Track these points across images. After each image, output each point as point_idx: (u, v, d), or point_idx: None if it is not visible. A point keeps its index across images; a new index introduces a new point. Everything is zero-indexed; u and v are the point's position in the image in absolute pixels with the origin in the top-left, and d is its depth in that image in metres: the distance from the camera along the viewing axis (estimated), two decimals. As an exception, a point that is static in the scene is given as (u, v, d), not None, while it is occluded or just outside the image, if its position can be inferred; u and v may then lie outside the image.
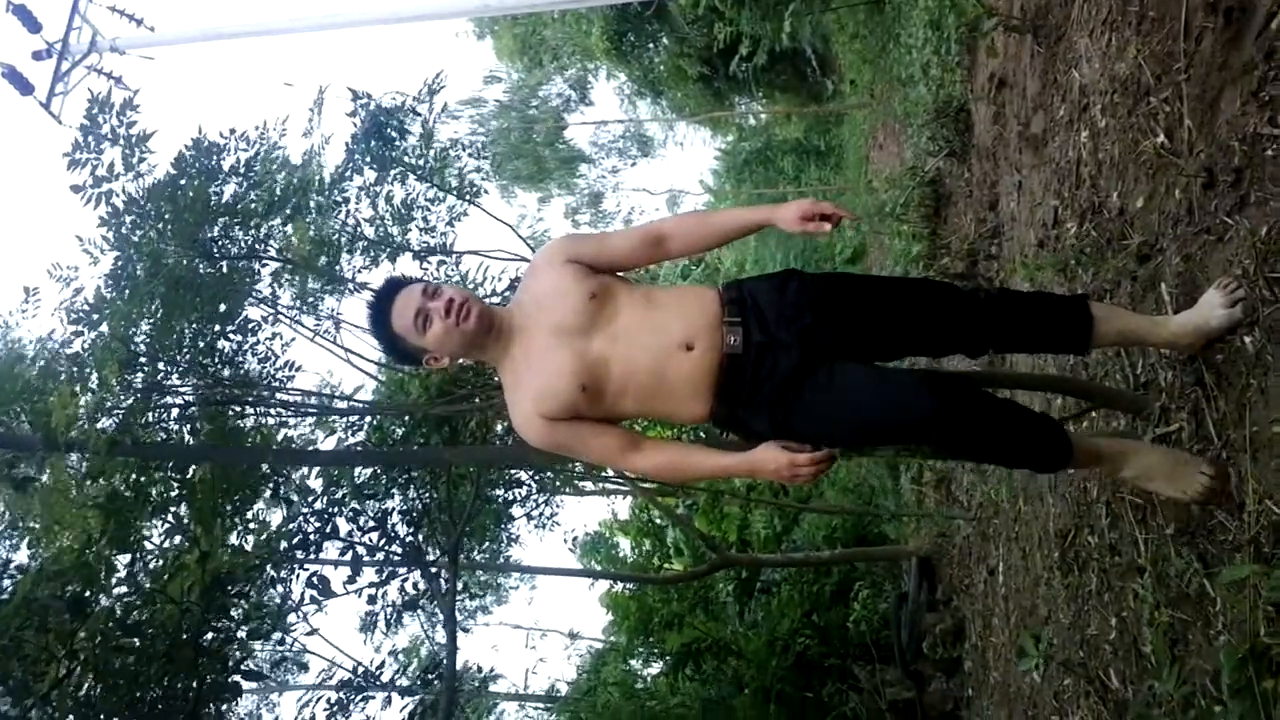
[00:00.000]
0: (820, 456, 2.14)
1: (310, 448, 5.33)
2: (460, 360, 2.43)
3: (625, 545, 12.58)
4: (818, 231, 2.30)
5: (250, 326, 4.58)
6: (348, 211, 4.64)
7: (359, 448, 5.27)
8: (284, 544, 5.23)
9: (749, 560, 7.51)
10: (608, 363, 2.22)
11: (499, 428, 5.00)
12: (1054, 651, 3.69)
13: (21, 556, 5.28)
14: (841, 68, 14.71)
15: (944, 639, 6.29)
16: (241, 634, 5.11)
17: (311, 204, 4.39)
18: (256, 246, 4.33)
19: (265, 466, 4.56)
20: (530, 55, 18.94)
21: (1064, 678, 3.69)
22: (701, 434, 4.96)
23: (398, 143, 4.57)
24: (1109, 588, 3.17)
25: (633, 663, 9.76)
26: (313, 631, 5.93)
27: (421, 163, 4.67)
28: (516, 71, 19.52)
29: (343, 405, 5.24)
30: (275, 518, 5.45)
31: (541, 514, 8.39)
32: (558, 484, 7.63)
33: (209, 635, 4.55)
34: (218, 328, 4.30)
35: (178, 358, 4.14)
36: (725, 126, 18.73)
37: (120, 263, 4.04)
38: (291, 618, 5.24)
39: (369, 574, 6.09)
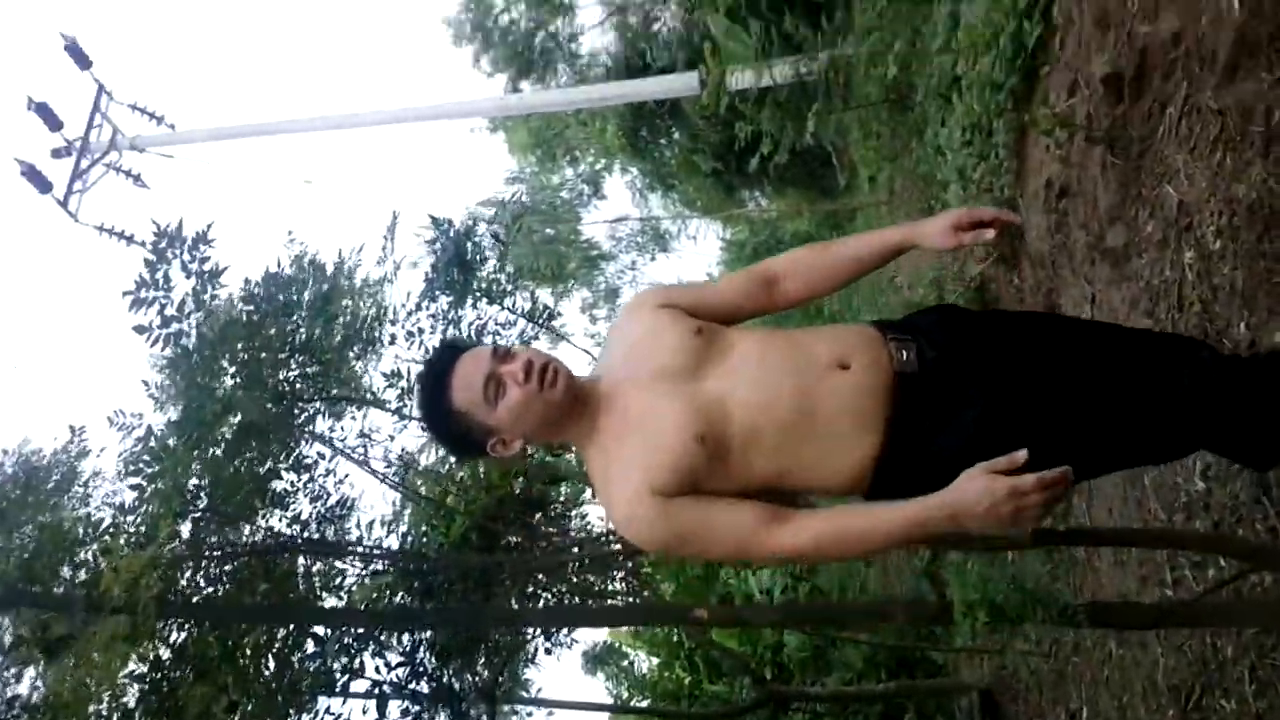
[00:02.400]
0: (1052, 476, 1.52)
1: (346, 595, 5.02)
2: (535, 445, 2.01)
3: (640, 659, 11.91)
4: (976, 241, 1.84)
5: (306, 464, 4.31)
6: (421, 342, 4.44)
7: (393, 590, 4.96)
8: (306, 683, 4.90)
9: (797, 694, 7.07)
10: (726, 405, 1.70)
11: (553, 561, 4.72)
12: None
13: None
14: (856, 164, 14.74)
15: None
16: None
17: (386, 335, 4.20)
18: (325, 384, 4.10)
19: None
20: (544, 149, 19.09)
21: None
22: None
23: (477, 270, 4.39)
24: (1257, 762, 2.87)
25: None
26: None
27: (494, 287, 4.49)
28: (530, 166, 19.66)
29: (379, 540, 4.95)
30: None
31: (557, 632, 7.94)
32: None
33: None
34: (271, 464, 4.01)
35: (229, 503, 3.86)
36: (737, 221, 18.77)
37: (190, 407, 3.76)
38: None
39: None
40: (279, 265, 4.21)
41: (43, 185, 11.16)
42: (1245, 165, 3.00)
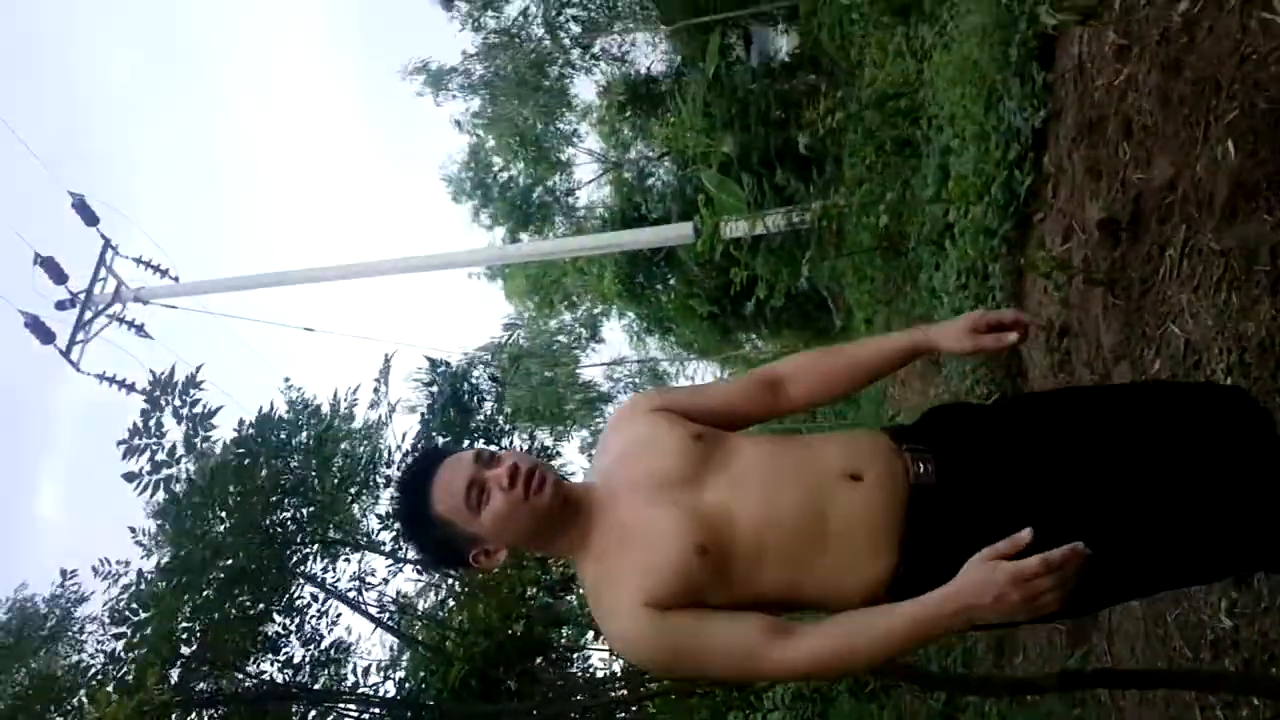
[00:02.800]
0: (1058, 556, 1.38)
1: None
2: (521, 555, 1.85)
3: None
4: (997, 347, 1.75)
5: (300, 606, 4.20)
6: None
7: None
8: None
9: None
10: (731, 514, 1.59)
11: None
12: None
13: None
14: (851, 306, 15.00)
15: None
16: None
17: (381, 478, 4.17)
18: (318, 527, 4.05)
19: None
20: (542, 295, 19.46)
21: None
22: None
23: (475, 412, 4.38)
24: None
25: None
26: None
27: (492, 427, 4.49)
28: (528, 311, 20.01)
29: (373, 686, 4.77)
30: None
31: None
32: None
33: None
34: (263, 606, 3.92)
35: (220, 648, 3.73)
36: (734, 361, 18.99)
37: (179, 553, 3.70)
38: None
39: None
40: (272, 408, 4.20)
41: (45, 336, 11.30)
42: (1252, 303, 3.05)
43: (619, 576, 1.61)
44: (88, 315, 11.91)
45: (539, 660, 5.13)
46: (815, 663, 1.58)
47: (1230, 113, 3.01)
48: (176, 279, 12.62)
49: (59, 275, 11.86)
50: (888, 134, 8.59)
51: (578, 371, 18.79)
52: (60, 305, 11.94)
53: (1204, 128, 3.22)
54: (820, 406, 1.91)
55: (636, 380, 19.76)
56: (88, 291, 12.05)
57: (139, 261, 12.44)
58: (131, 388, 11.09)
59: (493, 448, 1.76)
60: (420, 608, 5.06)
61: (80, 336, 11.74)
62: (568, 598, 5.15)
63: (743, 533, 1.58)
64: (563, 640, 5.36)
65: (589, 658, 5.52)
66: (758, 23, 14.92)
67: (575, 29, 16.52)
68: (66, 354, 11.47)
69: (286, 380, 5.44)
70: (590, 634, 5.05)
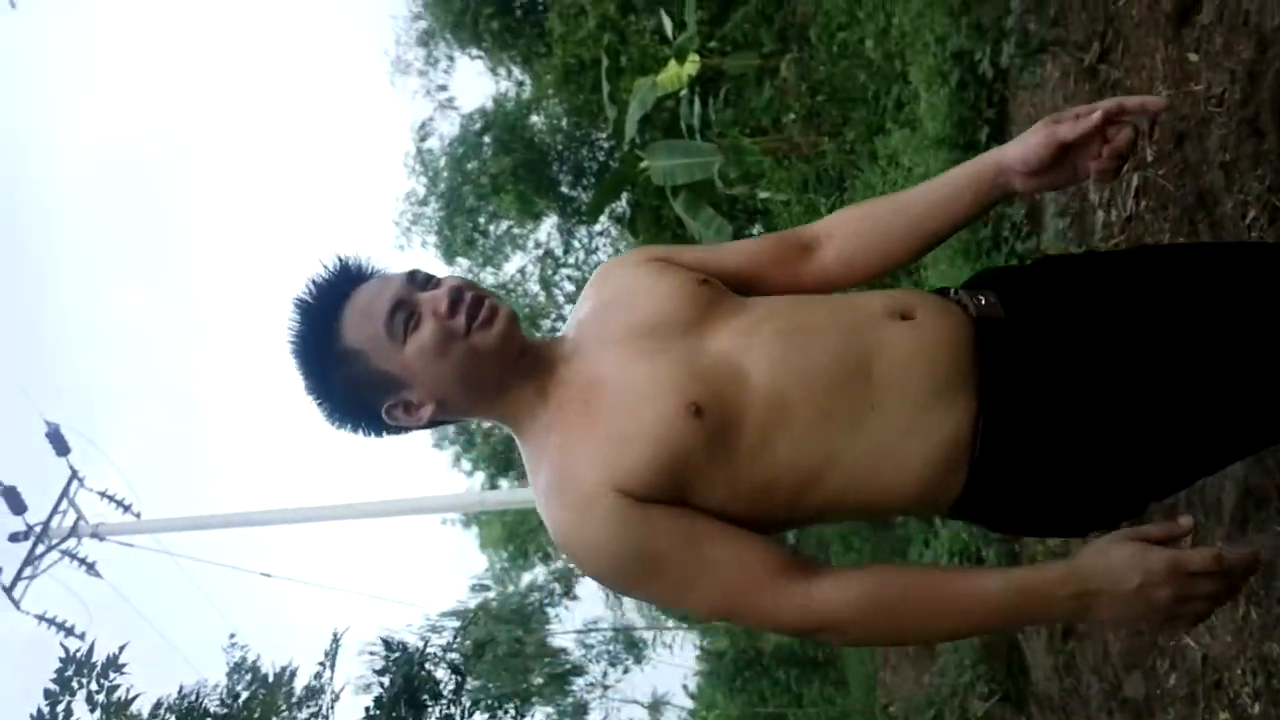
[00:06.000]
0: (1238, 560, 1.07)
1: None
2: (453, 416, 1.31)
3: None
4: (1089, 175, 1.21)
5: None
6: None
7: None
8: None
9: None
10: (739, 367, 1.18)
11: None
12: None
13: None
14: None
15: None
16: None
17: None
18: None
19: None
20: (516, 545, 18.87)
21: None
22: None
23: (429, 707, 3.90)
24: None
25: None
26: None
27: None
28: (500, 563, 19.36)
29: None
30: None
31: None
32: None
33: None
34: None
35: None
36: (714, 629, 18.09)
37: None
38: None
39: None
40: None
41: (-10, 571, 10.77)
42: (1275, 622, 2.76)
43: (581, 446, 1.17)
44: (39, 549, 11.42)
45: None
46: (850, 618, 1.13)
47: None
48: (138, 515, 12.24)
49: (18, 506, 11.50)
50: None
51: (548, 639, 17.78)
52: (14, 537, 11.49)
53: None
54: (869, 279, 1.39)
55: (611, 648, 18.62)
56: (44, 525, 11.64)
57: (103, 495, 12.11)
58: (70, 631, 10.48)
59: (433, 271, 1.27)
60: None
61: (28, 572, 11.19)
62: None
63: (758, 389, 1.16)
64: None
65: None
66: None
67: (569, 287, 17.06)
68: (9, 590, 10.89)
69: (232, 637, 4.99)
70: None
